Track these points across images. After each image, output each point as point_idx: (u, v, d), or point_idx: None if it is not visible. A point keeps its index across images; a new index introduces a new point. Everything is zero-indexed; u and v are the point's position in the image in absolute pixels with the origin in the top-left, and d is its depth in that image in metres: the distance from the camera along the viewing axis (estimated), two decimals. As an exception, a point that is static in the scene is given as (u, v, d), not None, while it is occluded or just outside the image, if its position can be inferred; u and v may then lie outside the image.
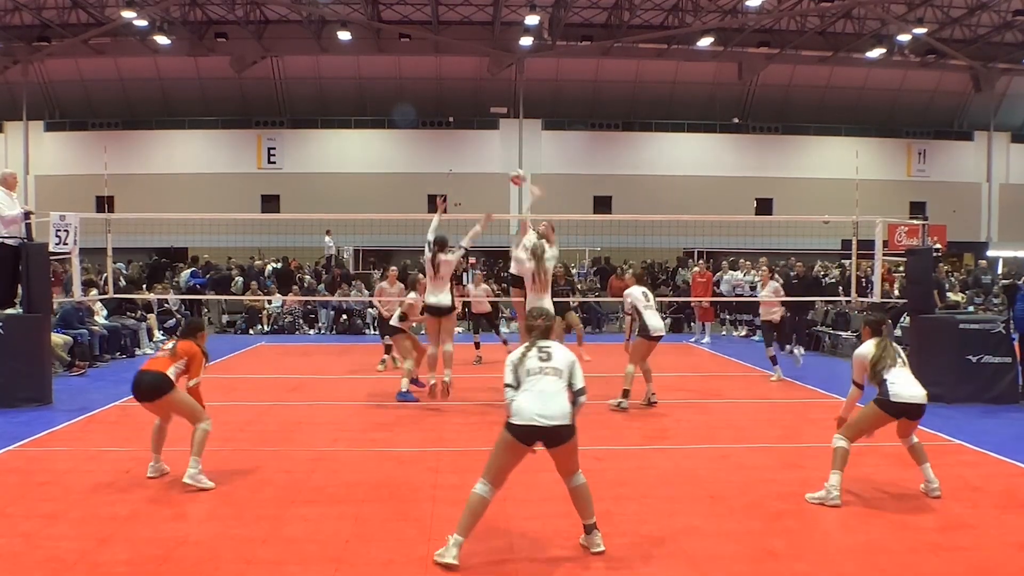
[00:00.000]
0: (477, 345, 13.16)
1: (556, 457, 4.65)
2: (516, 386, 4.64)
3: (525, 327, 5.08)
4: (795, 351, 12.61)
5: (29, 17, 26.26)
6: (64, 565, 4.41)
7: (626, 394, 8.89)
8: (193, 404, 5.89)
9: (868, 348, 5.87)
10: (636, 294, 9.23)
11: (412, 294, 9.86)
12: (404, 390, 9.36)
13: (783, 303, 12.02)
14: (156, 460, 6.16)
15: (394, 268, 13.09)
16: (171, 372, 5.83)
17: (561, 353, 4.77)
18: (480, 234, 9.08)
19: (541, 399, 4.52)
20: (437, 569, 4.44)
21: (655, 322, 9.10)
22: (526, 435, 4.51)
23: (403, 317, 9.78)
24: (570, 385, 4.67)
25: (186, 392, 5.90)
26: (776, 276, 13.48)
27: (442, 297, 8.94)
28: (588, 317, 18.29)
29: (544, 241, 8.84)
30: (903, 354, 5.92)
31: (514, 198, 31.14)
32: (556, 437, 4.52)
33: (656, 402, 9.19)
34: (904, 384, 5.63)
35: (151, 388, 5.79)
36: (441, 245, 9.04)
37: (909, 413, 5.64)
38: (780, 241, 21.39)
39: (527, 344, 4.81)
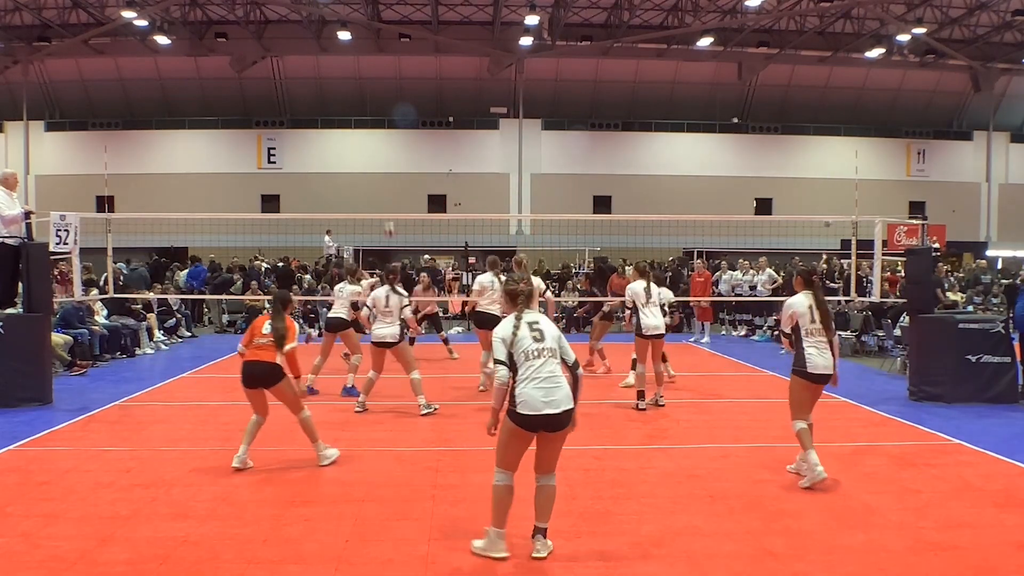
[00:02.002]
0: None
1: (547, 447, 4.59)
2: (509, 364, 4.53)
3: (506, 294, 4.87)
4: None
5: (29, 17, 26.28)
6: (64, 565, 4.41)
7: (641, 395, 8.81)
8: (296, 396, 6.43)
9: (800, 300, 6.14)
10: (638, 289, 8.98)
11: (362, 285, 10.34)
12: (349, 385, 9.71)
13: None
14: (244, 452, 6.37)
15: (424, 274, 14.55)
16: (279, 360, 6.27)
17: (549, 327, 4.69)
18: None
19: (546, 387, 4.49)
20: (437, 569, 4.44)
21: (648, 320, 8.91)
22: (533, 424, 4.49)
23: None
24: (563, 361, 4.65)
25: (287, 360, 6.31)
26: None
27: (388, 330, 8.55)
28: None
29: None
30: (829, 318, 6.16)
31: (514, 198, 31.19)
32: (560, 423, 4.52)
33: (664, 404, 9.17)
34: (819, 355, 5.97)
35: (265, 375, 6.24)
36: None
37: (823, 382, 6.06)
38: (780, 241, 21.42)
39: (515, 316, 4.66)
